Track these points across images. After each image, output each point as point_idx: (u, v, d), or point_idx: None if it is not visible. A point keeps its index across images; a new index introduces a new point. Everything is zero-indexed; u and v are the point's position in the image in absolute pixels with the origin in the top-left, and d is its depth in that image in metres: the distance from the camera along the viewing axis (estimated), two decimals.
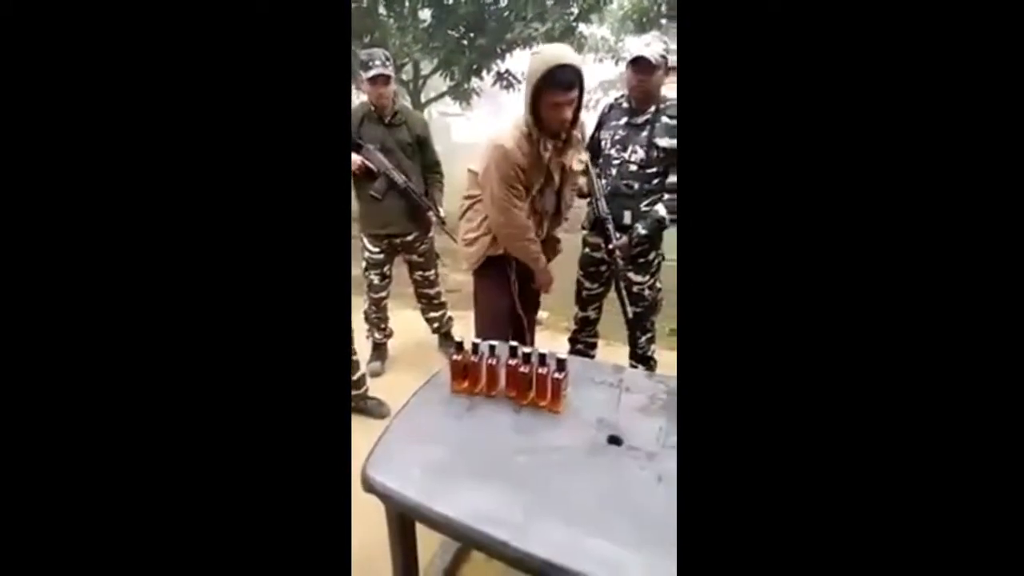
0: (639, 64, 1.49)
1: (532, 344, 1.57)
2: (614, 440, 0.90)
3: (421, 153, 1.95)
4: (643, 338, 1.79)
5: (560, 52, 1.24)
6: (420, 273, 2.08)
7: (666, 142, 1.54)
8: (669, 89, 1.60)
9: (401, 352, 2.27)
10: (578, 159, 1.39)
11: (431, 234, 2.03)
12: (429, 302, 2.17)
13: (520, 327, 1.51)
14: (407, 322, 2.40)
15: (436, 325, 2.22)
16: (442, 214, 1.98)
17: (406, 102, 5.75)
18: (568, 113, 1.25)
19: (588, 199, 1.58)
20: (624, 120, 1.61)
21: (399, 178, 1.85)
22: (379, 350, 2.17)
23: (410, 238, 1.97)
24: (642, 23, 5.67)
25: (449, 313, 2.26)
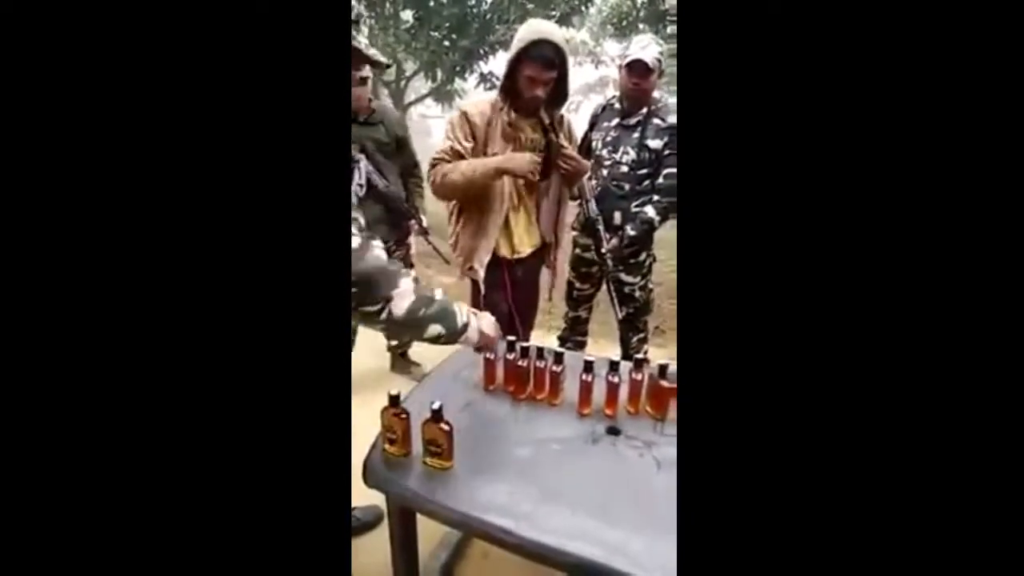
0: (636, 67, 1.51)
1: (528, 340, 1.56)
2: (613, 430, 0.91)
3: (399, 154, 1.79)
4: (635, 338, 1.82)
5: (547, 27, 1.22)
6: None
7: (657, 143, 1.56)
8: (657, 91, 1.63)
9: (355, 376, 2.11)
10: (566, 135, 1.36)
11: (409, 241, 1.88)
12: None
13: (514, 331, 1.51)
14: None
15: (396, 343, 2.07)
16: (424, 222, 1.84)
17: (388, 103, 5.70)
18: (541, 91, 1.22)
19: (578, 200, 1.59)
20: (615, 121, 1.63)
21: (379, 181, 1.69)
22: None
23: (388, 244, 1.79)
24: (622, 27, 5.76)
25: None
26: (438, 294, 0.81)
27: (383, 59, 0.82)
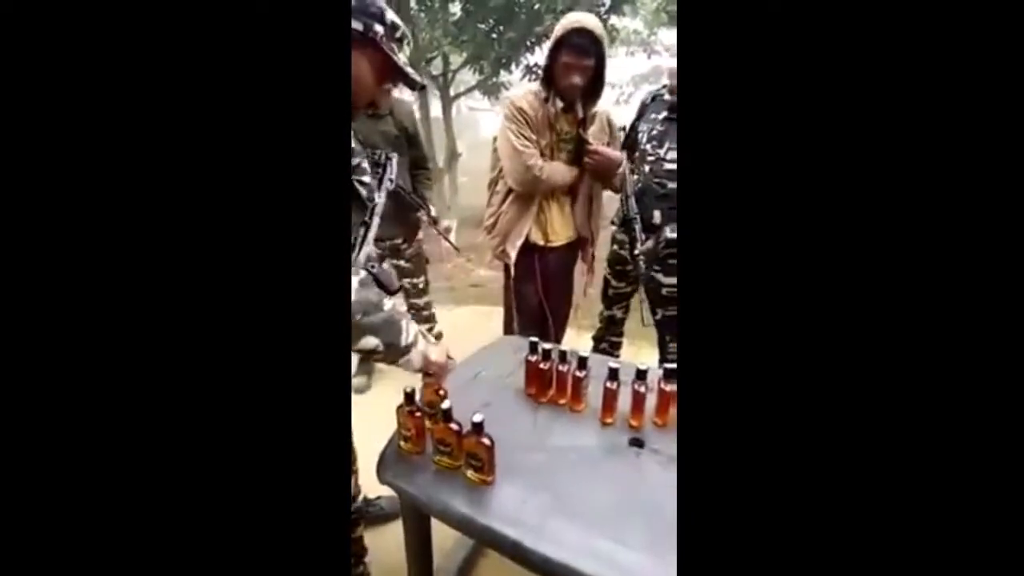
0: None
1: (561, 338, 1.52)
2: (636, 442, 0.87)
3: (408, 147, 1.74)
4: (673, 343, 1.72)
5: (581, 17, 1.24)
6: (408, 280, 1.90)
7: None
8: None
9: (385, 367, 2.14)
10: (602, 135, 1.37)
11: (419, 237, 1.86)
12: (418, 312, 1.99)
13: (545, 325, 1.48)
14: None
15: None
16: (433, 213, 1.81)
17: (436, 96, 5.74)
18: (577, 79, 1.23)
19: (620, 195, 1.52)
20: (663, 114, 1.50)
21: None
22: (365, 364, 2.04)
23: (396, 242, 1.79)
24: (675, 16, 5.52)
25: (439, 327, 2.09)
26: (387, 304, 0.75)
27: (417, 78, 0.82)
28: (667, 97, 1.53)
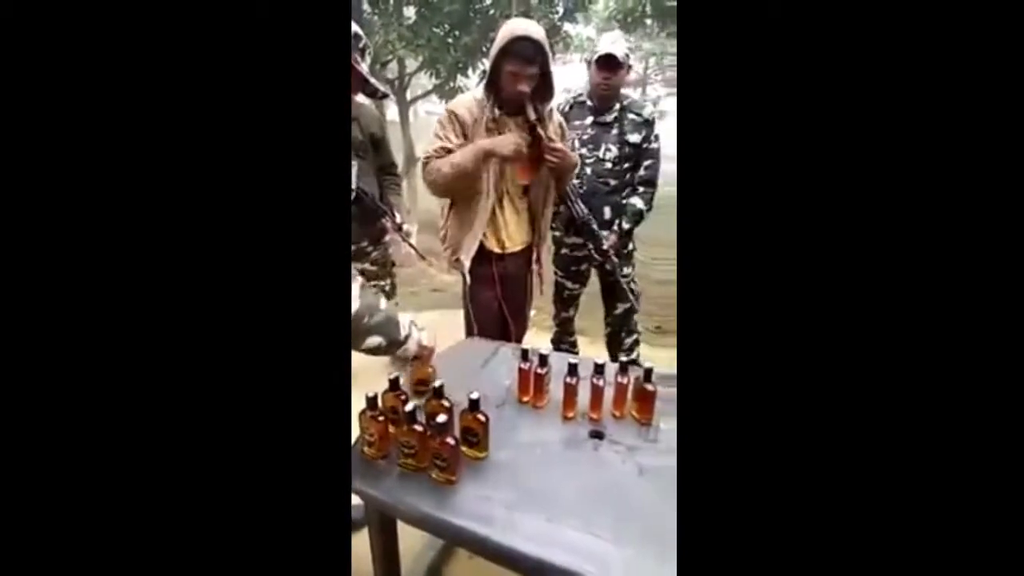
0: (606, 62, 1.51)
1: (521, 342, 1.54)
2: (596, 435, 0.90)
3: (375, 153, 1.74)
4: (629, 339, 1.78)
5: (524, 25, 1.25)
6: (374, 284, 1.87)
7: (636, 137, 1.59)
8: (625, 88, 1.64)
9: (357, 371, 2.12)
10: (556, 137, 1.36)
11: (385, 241, 1.84)
12: None
13: (506, 329, 1.49)
14: None
15: None
16: (399, 219, 1.79)
17: (392, 100, 5.67)
18: (524, 86, 1.25)
19: (560, 201, 1.56)
20: (590, 119, 1.62)
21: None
22: None
23: (362, 245, 1.76)
24: (627, 23, 5.70)
25: None
26: (382, 303, 0.80)
27: (382, 87, 0.85)
28: (588, 103, 1.63)
